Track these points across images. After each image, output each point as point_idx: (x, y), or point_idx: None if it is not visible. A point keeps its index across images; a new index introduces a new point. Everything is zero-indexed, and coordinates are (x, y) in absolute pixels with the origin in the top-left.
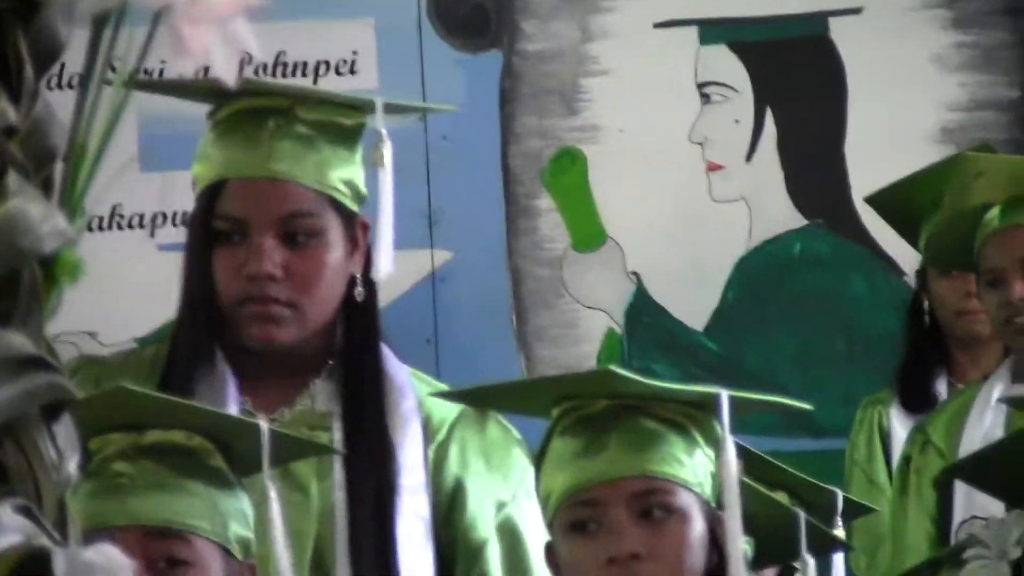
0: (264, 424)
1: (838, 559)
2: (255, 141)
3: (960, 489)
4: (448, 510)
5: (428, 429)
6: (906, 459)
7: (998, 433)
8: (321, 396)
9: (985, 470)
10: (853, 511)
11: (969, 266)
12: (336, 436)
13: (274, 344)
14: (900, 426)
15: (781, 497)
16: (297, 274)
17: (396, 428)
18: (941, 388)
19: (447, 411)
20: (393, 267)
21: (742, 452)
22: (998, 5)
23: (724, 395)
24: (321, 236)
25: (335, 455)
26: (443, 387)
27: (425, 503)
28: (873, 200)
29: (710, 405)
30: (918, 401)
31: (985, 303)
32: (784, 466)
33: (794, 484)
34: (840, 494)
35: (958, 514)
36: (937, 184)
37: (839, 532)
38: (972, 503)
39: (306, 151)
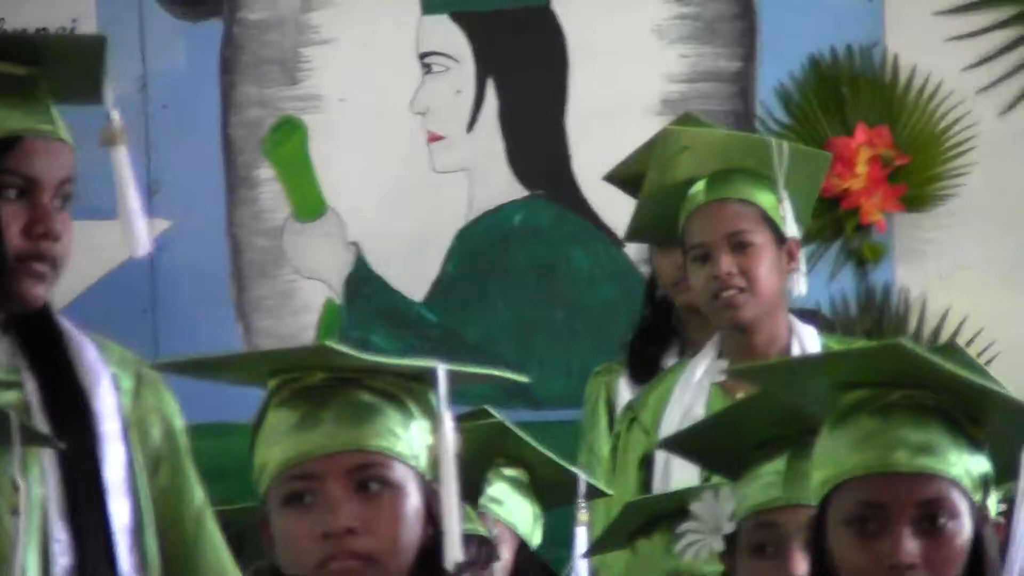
0: None
1: (580, 531)
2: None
3: (658, 467)
4: (156, 469)
5: (117, 383)
6: (617, 436)
7: (699, 411)
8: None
9: (695, 445)
10: (592, 493)
11: (675, 240)
12: (29, 387)
13: None
14: (628, 395)
15: (520, 474)
16: None
17: (86, 377)
18: (672, 361)
19: (130, 370)
20: (109, 236)
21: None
22: None
23: (441, 368)
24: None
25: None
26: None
27: (123, 451)
28: (611, 177)
29: (427, 378)
30: (647, 374)
31: (693, 278)
32: (533, 444)
33: (535, 462)
34: (582, 477)
35: (656, 490)
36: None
37: (583, 513)
38: (668, 480)
39: None
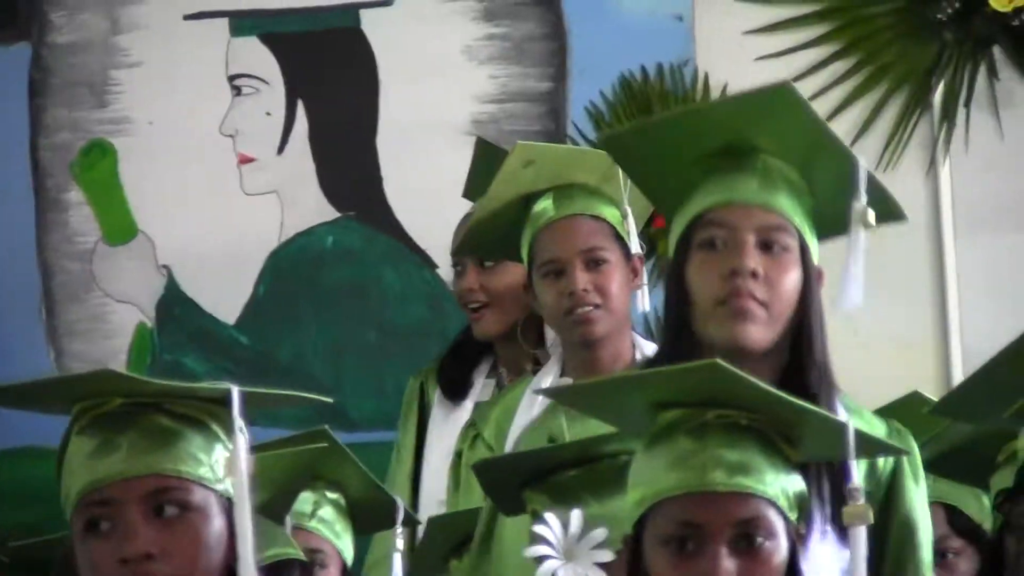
0: None
1: (396, 557)
2: None
3: None
4: None
5: None
6: (458, 454)
7: None
8: None
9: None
10: (408, 520)
11: (510, 254)
12: None
13: None
14: (440, 409)
15: (337, 496)
16: None
17: None
18: (478, 379)
19: None
20: None
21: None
22: None
23: (235, 391)
24: None
25: None
26: None
27: None
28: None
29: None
30: (457, 389)
31: (541, 294)
32: (359, 466)
33: (356, 485)
34: (400, 503)
35: None
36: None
37: (399, 540)
38: None
39: None
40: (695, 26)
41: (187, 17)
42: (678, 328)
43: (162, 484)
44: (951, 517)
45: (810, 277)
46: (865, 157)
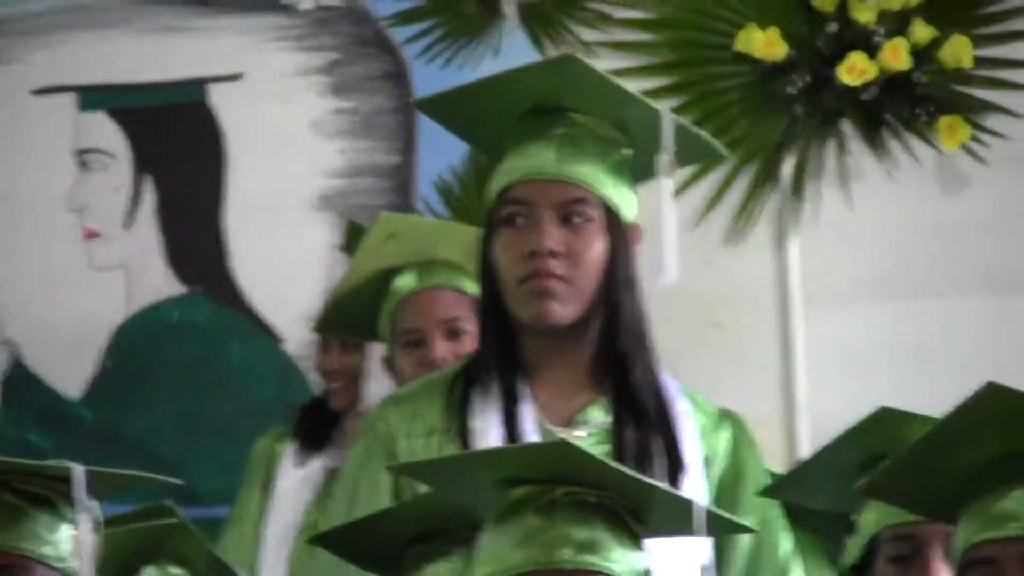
0: None
1: None
2: None
3: None
4: None
5: None
6: (312, 525)
7: None
8: None
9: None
10: None
11: (370, 332)
12: None
13: None
14: (289, 466)
15: (181, 573)
16: None
17: None
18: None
19: None
20: None
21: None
22: (377, 71)
23: (78, 470)
24: None
25: None
26: None
27: None
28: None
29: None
30: (316, 438)
31: (400, 364)
32: (204, 543)
33: (201, 563)
34: None
35: None
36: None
37: None
38: None
39: None
40: None
41: (34, 92)
42: (492, 307)
43: (5, 562)
44: None
45: (617, 244)
46: (713, 231)
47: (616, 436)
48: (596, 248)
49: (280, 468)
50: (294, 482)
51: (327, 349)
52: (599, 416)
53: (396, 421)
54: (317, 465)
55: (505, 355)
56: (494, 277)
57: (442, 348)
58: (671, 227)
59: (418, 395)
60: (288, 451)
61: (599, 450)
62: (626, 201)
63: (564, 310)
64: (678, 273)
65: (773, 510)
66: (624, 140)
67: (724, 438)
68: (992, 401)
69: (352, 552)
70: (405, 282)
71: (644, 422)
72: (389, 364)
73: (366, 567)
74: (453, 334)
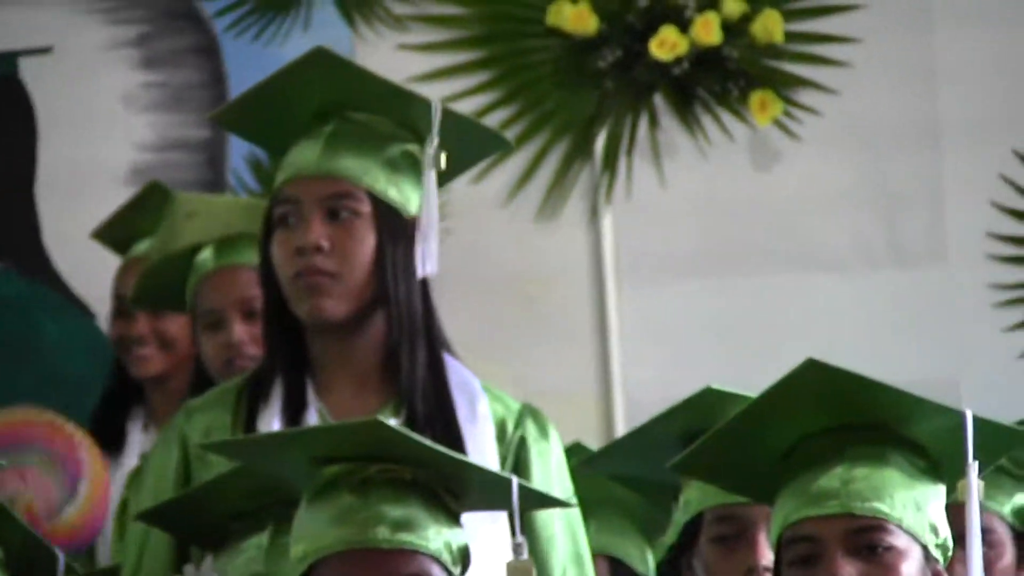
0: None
1: None
2: None
3: None
4: None
5: None
6: (123, 503)
7: None
8: None
9: (170, 517)
10: None
11: (181, 306)
12: None
13: None
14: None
15: None
16: None
17: None
18: (134, 429)
19: None
20: None
21: None
22: (188, 45)
23: None
24: None
25: None
26: None
27: None
28: (98, 234)
29: None
30: (112, 441)
31: (204, 345)
32: (21, 521)
33: (14, 539)
34: (61, 555)
35: None
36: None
37: None
38: None
39: None
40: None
41: None
42: (275, 308)
43: None
44: (614, 569)
45: (388, 237)
46: (526, 207)
47: None
48: (365, 242)
49: None
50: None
51: (128, 317)
52: (389, 419)
53: (190, 433)
54: (120, 470)
55: (290, 357)
56: (274, 277)
57: (240, 330)
58: (432, 220)
59: (211, 405)
60: None
61: None
62: (406, 195)
63: (336, 306)
64: (436, 266)
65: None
66: (408, 135)
67: (516, 438)
68: (812, 377)
69: (177, 527)
70: (203, 260)
71: (429, 423)
72: (195, 341)
73: (193, 543)
74: (251, 315)
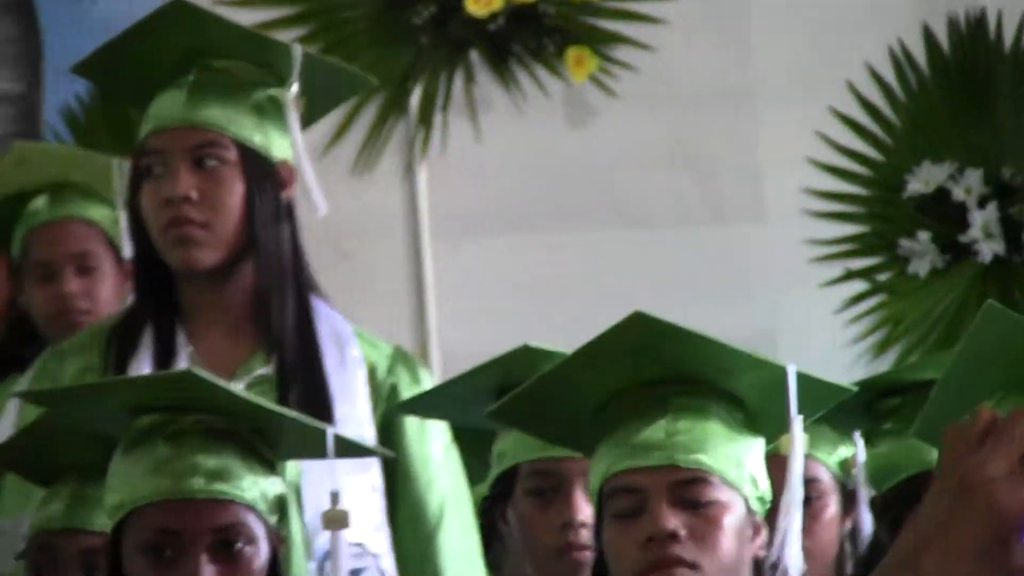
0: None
1: None
2: None
3: None
4: None
5: None
6: None
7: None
8: None
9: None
10: None
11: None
12: None
13: None
14: None
15: None
16: None
17: None
18: None
19: None
20: None
21: None
22: None
23: None
24: None
25: None
26: None
27: None
28: None
29: None
30: None
31: (35, 295)
32: None
33: None
34: None
35: None
36: None
37: None
38: None
39: None
40: None
41: None
42: (144, 257)
43: None
44: None
45: (256, 183)
46: (340, 161)
47: (279, 387)
48: (234, 190)
49: None
50: None
51: None
52: (259, 367)
53: (62, 376)
54: None
55: (159, 305)
56: (142, 228)
57: (73, 283)
58: (304, 162)
59: (83, 348)
60: None
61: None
62: (271, 140)
63: (206, 255)
64: (326, 206)
65: (447, 462)
66: (270, 81)
67: (388, 385)
68: (638, 329)
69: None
70: (37, 210)
71: (295, 370)
72: (17, 287)
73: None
74: (84, 269)
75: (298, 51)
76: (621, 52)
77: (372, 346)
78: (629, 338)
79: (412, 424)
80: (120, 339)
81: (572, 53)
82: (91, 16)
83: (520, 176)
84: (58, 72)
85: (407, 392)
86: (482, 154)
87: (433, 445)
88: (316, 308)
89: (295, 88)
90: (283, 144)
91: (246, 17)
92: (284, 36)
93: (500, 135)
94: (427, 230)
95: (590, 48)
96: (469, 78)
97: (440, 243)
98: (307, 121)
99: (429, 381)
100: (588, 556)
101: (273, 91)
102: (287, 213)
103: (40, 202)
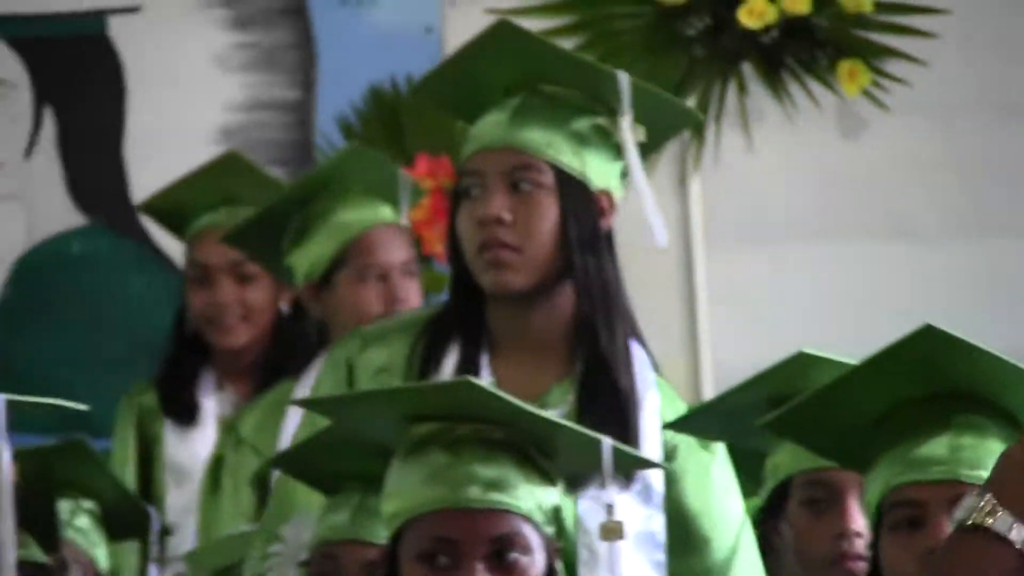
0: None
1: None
2: None
3: None
4: None
5: None
6: (218, 459)
7: None
8: None
9: (306, 461)
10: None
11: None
12: None
13: None
14: (174, 435)
15: (91, 505)
16: None
17: None
18: (207, 397)
19: None
20: None
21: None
22: (278, 5)
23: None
24: None
25: None
26: None
27: None
28: (147, 207)
29: None
30: (186, 413)
31: (360, 294)
32: (112, 475)
33: (109, 494)
34: (155, 515)
35: None
36: (210, 184)
37: (155, 549)
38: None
39: None
40: (444, 37)
41: None
42: (460, 276)
43: None
44: None
45: (572, 209)
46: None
47: (577, 418)
48: (548, 215)
49: (166, 438)
50: (181, 455)
51: (211, 283)
52: (559, 398)
53: (363, 363)
54: (199, 437)
55: (467, 327)
56: (458, 249)
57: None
58: (644, 190)
59: (391, 339)
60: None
61: None
62: (590, 168)
63: (518, 278)
64: (665, 237)
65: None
66: (598, 109)
67: (671, 443)
68: (925, 342)
69: (306, 473)
70: (349, 221)
71: (605, 403)
72: (314, 295)
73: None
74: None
75: (625, 80)
76: (893, 65)
77: (669, 401)
78: (919, 351)
79: (691, 484)
80: (424, 354)
81: (844, 67)
82: (363, 23)
83: (791, 188)
84: (331, 80)
85: (692, 454)
86: (755, 165)
87: (716, 487)
88: (631, 348)
89: (629, 117)
90: (604, 173)
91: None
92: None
93: (772, 147)
94: (700, 241)
95: (862, 61)
96: (742, 89)
97: (713, 254)
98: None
99: (722, 451)
100: (862, 567)
101: (600, 120)
102: (607, 242)
103: (353, 214)
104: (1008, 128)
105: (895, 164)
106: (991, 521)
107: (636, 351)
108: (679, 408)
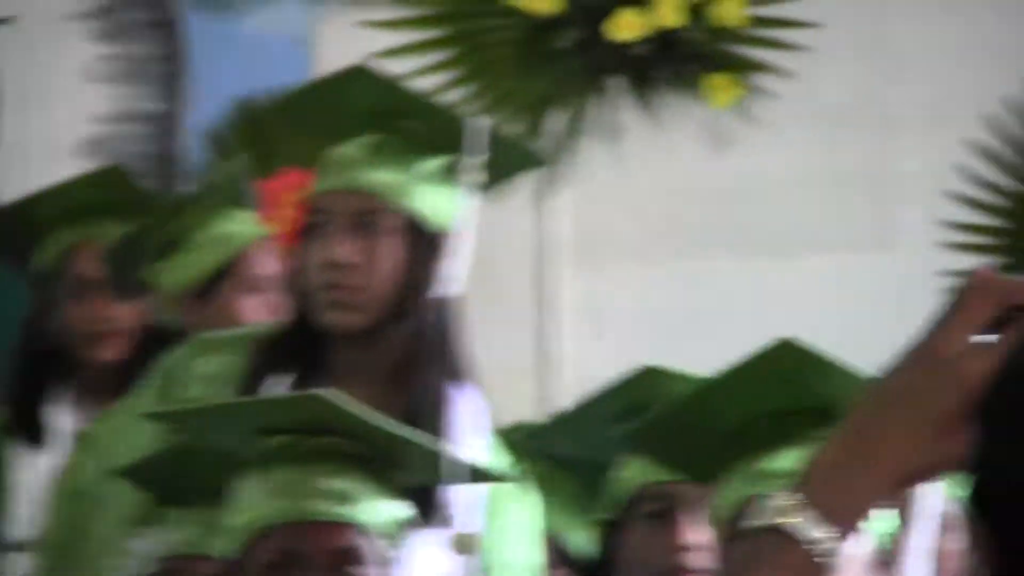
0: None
1: None
2: None
3: None
4: None
5: None
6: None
7: None
8: None
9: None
10: None
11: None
12: None
13: None
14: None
15: None
16: None
17: None
18: (64, 415)
19: None
20: None
21: None
22: (145, 18)
23: None
24: None
25: None
26: None
27: None
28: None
29: None
30: (35, 431)
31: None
32: None
33: None
34: None
35: None
36: (87, 195)
37: None
38: None
39: None
40: (317, 50)
41: None
42: (300, 307)
43: None
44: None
45: (417, 252)
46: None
47: None
48: (393, 257)
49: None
50: (30, 479)
51: (89, 296)
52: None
53: (197, 368)
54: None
55: (304, 361)
56: (301, 280)
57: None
58: (463, 240)
59: (227, 348)
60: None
61: None
62: (439, 210)
63: (357, 318)
64: (461, 286)
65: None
66: (444, 151)
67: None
68: (783, 356)
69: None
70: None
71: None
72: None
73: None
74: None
75: (476, 124)
76: (767, 80)
77: (494, 453)
78: (776, 364)
79: (498, 527)
80: (251, 374)
81: (715, 80)
82: (235, 36)
83: (660, 203)
84: (200, 92)
85: (503, 500)
86: (623, 180)
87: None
88: (456, 395)
89: (472, 159)
90: (451, 213)
91: (392, 39)
92: (431, 58)
93: (641, 161)
94: (563, 258)
95: (735, 75)
96: (611, 104)
97: (574, 268)
98: (479, 191)
99: (534, 504)
100: None
101: (445, 161)
102: (447, 284)
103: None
104: (881, 142)
105: (765, 178)
106: (798, 519)
107: (464, 398)
108: (501, 462)
